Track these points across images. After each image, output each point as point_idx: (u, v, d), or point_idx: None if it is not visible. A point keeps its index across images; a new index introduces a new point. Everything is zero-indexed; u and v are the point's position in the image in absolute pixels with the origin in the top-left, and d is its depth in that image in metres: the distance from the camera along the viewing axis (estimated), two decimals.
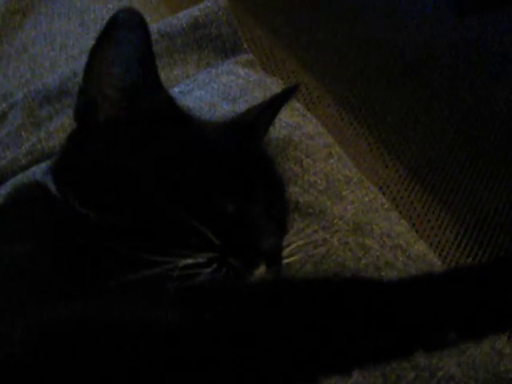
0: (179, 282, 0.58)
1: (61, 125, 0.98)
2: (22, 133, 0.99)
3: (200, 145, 0.71)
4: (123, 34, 0.67)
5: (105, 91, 0.69)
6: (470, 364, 0.69)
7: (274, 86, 1.03)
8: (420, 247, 0.84)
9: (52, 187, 0.70)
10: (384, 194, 1.85)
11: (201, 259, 0.61)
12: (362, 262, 0.78)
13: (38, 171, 0.91)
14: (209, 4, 1.08)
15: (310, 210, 0.83)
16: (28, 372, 0.46)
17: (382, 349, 0.50)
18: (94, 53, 0.69)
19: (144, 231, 0.64)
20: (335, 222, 0.82)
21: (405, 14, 2.36)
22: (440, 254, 1.76)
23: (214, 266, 0.62)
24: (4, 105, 1.02)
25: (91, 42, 1.07)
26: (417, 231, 1.76)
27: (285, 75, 2.11)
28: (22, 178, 0.92)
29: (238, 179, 0.70)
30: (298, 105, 1.00)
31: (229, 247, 0.64)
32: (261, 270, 0.64)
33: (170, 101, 0.75)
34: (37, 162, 0.95)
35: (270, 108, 0.87)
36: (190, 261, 0.60)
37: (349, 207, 0.85)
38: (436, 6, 2.36)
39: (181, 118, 0.75)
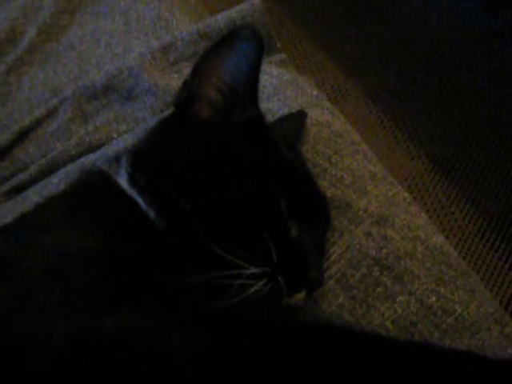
0: (233, 291, 0.62)
1: (107, 119, 1.03)
2: (71, 126, 1.03)
3: (279, 166, 0.73)
4: (241, 45, 0.71)
5: (208, 91, 0.72)
6: (479, 346, 0.75)
7: (306, 85, 1.07)
8: (438, 239, 0.88)
9: (121, 176, 0.70)
10: (410, 186, 1.89)
11: (257, 270, 0.64)
12: (384, 251, 0.83)
13: (87, 161, 0.96)
14: (245, 6, 1.12)
15: (337, 203, 0.87)
16: (59, 374, 0.49)
17: None
18: (208, 54, 0.73)
19: (217, 233, 0.65)
20: (360, 214, 0.87)
21: (434, 9, 2.37)
22: (463, 246, 1.79)
23: (265, 280, 0.64)
24: (55, 100, 1.06)
25: (134, 41, 1.16)
26: (441, 223, 1.82)
27: (315, 68, 2.15)
28: (71, 167, 0.96)
29: (307, 202, 0.73)
30: (326, 103, 1.04)
31: (281, 267, 0.65)
32: (301, 295, 0.68)
33: (260, 117, 0.77)
34: (85, 153, 0.99)
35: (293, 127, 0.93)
36: (254, 270, 0.63)
37: (373, 201, 0.89)
38: (464, 3, 2.36)
39: (265, 137, 0.76)
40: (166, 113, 0.96)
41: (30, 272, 0.59)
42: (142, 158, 0.73)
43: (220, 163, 0.70)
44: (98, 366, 0.49)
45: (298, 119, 0.97)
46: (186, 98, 0.74)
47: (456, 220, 1.85)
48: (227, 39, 0.72)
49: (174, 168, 0.70)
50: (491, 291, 1.72)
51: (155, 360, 0.50)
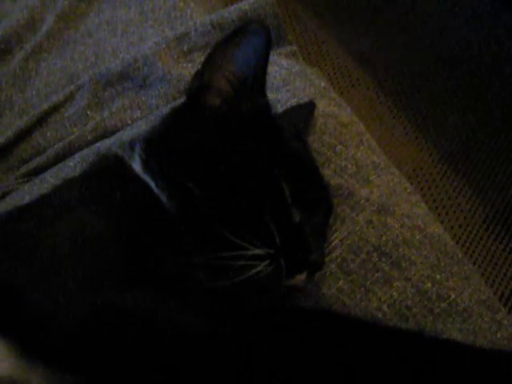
0: (236, 272, 0.65)
1: (122, 106, 1.05)
2: (88, 112, 1.06)
3: (285, 155, 0.76)
4: (250, 38, 0.74)
5: (218, 82, 0.76)
6: (470, 330, 0.79)
7: (314, 77, 1.09)
8: (436, 228, 0.91)
9: (135, 161, 0.74)
10: (417, 176, 1.91)
11: (261, 252, 0.67)
12: (383, 238, 0.86)
13: (103, 146, 0.99)
14: None
15: (340, 191, 0.90)
16: (82, 341, 0.53)
17: None
18: (220, 46, 0.76)
19: (223, 216, 0.68)
20: (362, 202, 0.90)
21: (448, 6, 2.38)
22: (468, 237, 1.81)
23: (267, 261, 0.67)
24: (72, 86, 1.09)
25: (149, 30, 1.19)
26: (447, 213, 1.85)
27: (327, 57, 2.15)
28: (87, 151, 0.99)
29: (309, 190, 0.76)
30: (334, 95, 1.07)
31: (283, 249, 0.69)
32: (302, 277, 0.71)
33: (268, 108, 0.80)
34: (100, 138, 1.02)
35: (301, 117, 0.96)
36: (257, 251, 0.66)
37: (375, 190, 0.92)
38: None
39: (272, 127, 0.80)
40: (179, 101, 0.99)
41: (53, 249, 0.63)
42: (154, 144, 0.77)
43: (228, 151, 0.74)
44: (116, 336, 0.54)
45: (307, 109, 1.00)
46: (198, 88, 0.77)
47: (462, 211, 1.87)
48: (237, 33, 0.75)
49: (185, 155, 0.74)
50: (495, 282, 1.75)
51: (165, 334, 0.54)
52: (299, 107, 0.99)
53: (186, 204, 0.70)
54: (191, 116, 0.78)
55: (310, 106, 1.01)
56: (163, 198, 0.70)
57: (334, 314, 0.68)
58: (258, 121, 0.78)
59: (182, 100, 0.82)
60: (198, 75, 0.78)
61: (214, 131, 0.76)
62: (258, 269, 0.66)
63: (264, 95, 0.80)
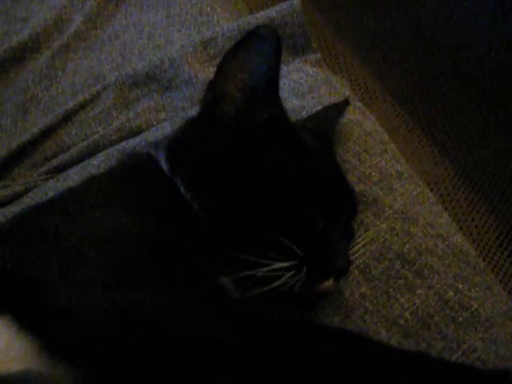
0: (262, 284, 0.65)
1: (147, 107, 1.06)
2: (113, 112, 1.07)
3: (304, 162, 0.76)
4: (259, 45, 0.74)
5: (230, 90, 0.75)
6: (492, 340, 0.79)
7: (339, 85, 1.10)
8: (459, 238, 0.92)
9: (164, 165, 0.75)
10: (432, 189, 1.90)
11: (284, 264, 0.67)
12: (406, 246, 0.87)
13: (128, 146, 0.99)
14: (285, 6, 1.15)
15: (364, 199, 0.91)
16: (104, 341, 0.53)
17: None
18: (230, 55, 0.75)
19: (240, 231, 0.69)
20: (385, 210, 0.91)
21: (466, 17, 2.38)
22: (481, 252, 1.80)
23: (293, 271, 0.67)
24: (98, 86, 1.10)
25: (176, 34, 1.21)
26: (460, 228, 1.83)
27: (344, 69, 2.16)
28: (111, 151, 1.00)
29: (331, 195, 0.76)
30: (358, 103, 1.08)
31: (308, 258, 0.69)
32: (329, 282, 0.72)
33: (283, 115, 0.80)
34: (125, 138, 1.02)
35: (331, 117, 0.96)
36: (279, 264, 0.66)
37: (398, 198, 0.93)
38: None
39: (288, 134, 0.79)
40: (191, 112, 1.00)
41: (78, 245, 0.63)
42: (175, 154, 0.77)
43: (245, 163, 0.73)
44: (131, 338, 0.53)
45: (337, 110, 1.00)
46: (211, 98, 0.77)
47: (476, 227, 1.87)
48: (245, 40, 0.75)
49: (203, 169, 0.74)
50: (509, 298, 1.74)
51: (178, 341, 0.54)
52: (328, 109, 0.99)
53: (212, 215, 0.70)
54: (208, 126, 0.78)
55: (341, 106, 1.01)
56: (194, 205, 0.71)
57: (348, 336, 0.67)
58: (273, 128, 0.77)
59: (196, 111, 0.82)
60: (211, 85, 0.78)
61: (231, 142, 0.75)
62: (282, 280, 0.66)
63: (278, 102, 0.79)
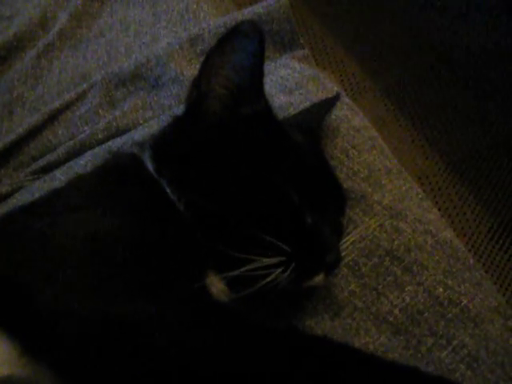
0: (251, 283, 0.66)
1: (134, 105, 1.05)
2: (100, 111, 1.06)
3: (291, 157, 0.75)
4: (242, 41, 0.73)
5: (215, 88, 0.75)
6: (482, 336, 0.78)
7: (327, 81, 1.09)
8: (448, 234, 0.92)
9: (149, 165, 0.74)
10: (423, 184, 1.90)
11: (272, 261, 0.67)
12: (395, 242, 0.86)
13: (114, 145, 0.98)
14: (271, 2, 1.14)
15: (352, 195, 0.90)
16: (89, 348, 0.53)
17: None
18: (213, 52, 0.75)
19: (227, 230, 0.69)
20: (374, 206, 0.90)
21: (458, 13, 2.38)
22: (473, 246, 1.81)
23: (282, 268, 0.67)
24: (84, 85, 1.09)
25: (162, 31, 1.20)
26: (452, 222, 1.84)
27: (334, 65, 2.16)
28: (98, 150, 0.99)
29: (319, 191, 0.76)
30: (347, 99, 1.07)
31: (298, 254, 0.69)
32: (320, 277, 0.72)
33: (269, 111, 0.79)
34: (112, 137, 1.02)
35: (320, 113, 0.95)
36: (267, 261, 0.66)
37: (387, 194, 0.92)
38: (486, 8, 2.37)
39: (274, 130, 0.79)
40: (178, 110, 0.99)
41: (63, 249, 0.62)
42: (161, 154, 0.77)
43: (231, 160, 0.73)
44: (117, 348, 0.54)
45: (326, 106, 0.99)
46: (196, 96, 0.77)
47: (467, 220, 1.87)
48: (228, 36, 0.74)
49: (189, 167, 0.74)
50: (499, 292, 1.74)
51: (166, 350, 0.54)
52: (316, 105, 0.99)
53: (198, 214, 0.70)
54: (193, 125, 0.77)
55: (330, 102, 1.00)
56: (179, 206, 0.71)
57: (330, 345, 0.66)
58: (259, 124, 0.77)
59: (182, 110, 0.82)
60: (195, 83, 0.78)
61: (216, 139, 0.75)
62: (272, 277, 0.66)
63: (263, 97, 0.79)
